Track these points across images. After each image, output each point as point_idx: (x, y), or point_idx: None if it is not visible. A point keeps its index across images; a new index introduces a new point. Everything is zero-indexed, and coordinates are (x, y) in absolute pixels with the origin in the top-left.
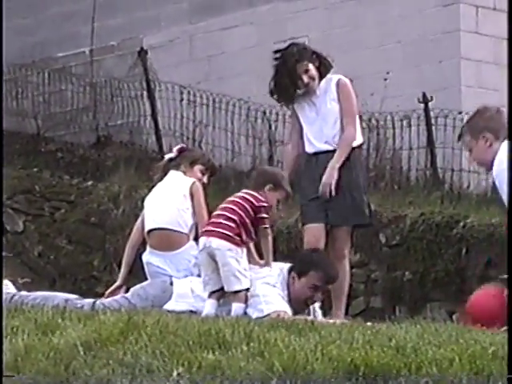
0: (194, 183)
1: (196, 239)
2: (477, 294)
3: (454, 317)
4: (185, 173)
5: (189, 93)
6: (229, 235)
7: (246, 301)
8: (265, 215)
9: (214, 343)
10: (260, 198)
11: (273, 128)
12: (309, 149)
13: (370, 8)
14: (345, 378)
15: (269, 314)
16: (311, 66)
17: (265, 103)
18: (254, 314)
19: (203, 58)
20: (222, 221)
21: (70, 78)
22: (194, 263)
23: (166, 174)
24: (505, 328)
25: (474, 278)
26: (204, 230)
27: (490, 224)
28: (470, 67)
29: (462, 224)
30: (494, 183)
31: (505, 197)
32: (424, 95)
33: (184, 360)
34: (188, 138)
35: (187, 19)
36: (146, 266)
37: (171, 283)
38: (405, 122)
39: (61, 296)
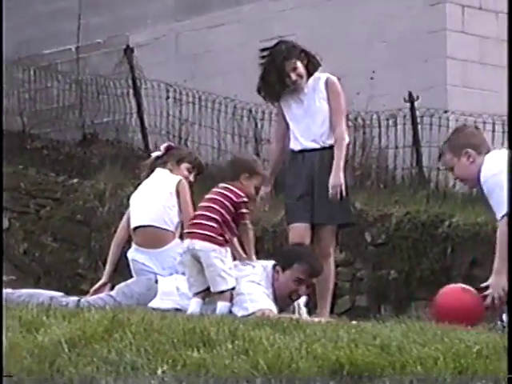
0: (180, 181)
1: (182, 237)
2: (446, 289)
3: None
4: (171, 171)
5: (175, 91)
6: (212, 236)
7: (231, 299)
8: (245, 210)
9: (198, 341)
10: (239, 192)
11: (259, 126)
12: (295, 146)
13: (357, 7)
14: (329, 376)
15: (254, 313)
16: (299, 64)
17: (251, 101)
18: (239, 312)
19: (189, 56)
20: (203, 222)
21: (55, 75)
22: (179, 261)
23: (152, 172)
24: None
25: (459, 276)
26: (187, 231)
27: (475, 223)
28: (456, 66)
29: (447, 223)
30: (482, 191)
31: (493, 202)
32: (410, 94)
33: (169, 358)
34: (174, 136)
35: (173, 17)
36: (131, 263)
37: (156, 281)
38: (391, 121)
39: (46, 294)
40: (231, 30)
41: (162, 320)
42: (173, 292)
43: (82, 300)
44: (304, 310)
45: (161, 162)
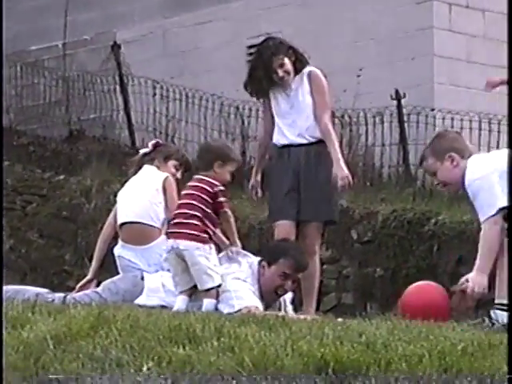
0: (166, 178)
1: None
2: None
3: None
4: (159, 168)
5: (162, 88)
6: (195, 234)
7: (217, 296)
8: (222, 199)
9: (184, 338)
10: (214, 182)
11: (246, 123)
12: (281, 140)
13: (344, 4)
14: (315, 373)
15: (240, 310)
16: (287, 61)
17: (238, 99)
18: (225, 309)
19: (176, 53)
20: (185, 220)
21: (42, 71)
22: (165, 258)
23: (140, 169)
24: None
25: (446, 274)
26: (169, 231)
27: (461, 221)
28: (443, 64)
29: (433, 221)
30: (467, 194)
31: (477, 205)
32: (397, 92)
33: (154, 355)
34: (161, 133)
35: (161, 14)
36: (117, 260)
37: (142, 278)
38: (377, 119)
39: (32, 290)
40: (219, 27)
41: (148, 317)
42: (159, 289)
43: (68, 296)
44: (290, 307)
45: (148, 158)
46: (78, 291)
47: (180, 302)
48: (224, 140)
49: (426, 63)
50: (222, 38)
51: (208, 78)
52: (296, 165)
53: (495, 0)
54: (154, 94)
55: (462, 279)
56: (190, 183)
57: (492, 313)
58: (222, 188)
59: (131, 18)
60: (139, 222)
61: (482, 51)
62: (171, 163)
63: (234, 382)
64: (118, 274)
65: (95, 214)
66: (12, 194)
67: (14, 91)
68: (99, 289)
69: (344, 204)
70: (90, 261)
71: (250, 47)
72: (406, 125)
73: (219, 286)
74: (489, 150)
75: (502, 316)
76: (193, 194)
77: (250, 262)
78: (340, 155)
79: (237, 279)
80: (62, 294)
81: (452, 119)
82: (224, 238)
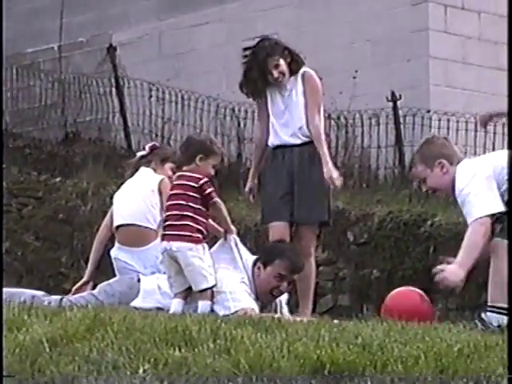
0: (162, 180)
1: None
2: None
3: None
4: (155, 170)
5: (157, 90)
6: (187, 235)
7: (211, 298)
8: (209, 190)
9: (180, 340)
10: (197, 176)
11: (241, 125)
12: (274, 141)
13: (339, 6)
14: (311, 375)
15: (236, 312)
16: (282, 62)
17: (234, 100)
18: (220, 311)
19: (172, 55)
20: (177, 222)
21: (38, 73)
22: (161, 260)
23: (136, 171)
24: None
25: None
26: (162, 233)
27: (457, 223)
28: (439, 66)
29: (429, 222)
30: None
31: (465, 211)
32: (392, 94)
33: (150, 357)
34: (157, 135)
35: (156, 16)
36: (114, 262)
37: (138, 280)
38: (373, 121)
39: (28, 292)
40: (214, 28)
41: (144, 319)
42: (154, 291)
43: (64, 299)
44: (286, 309)
45: (145, 161)
46: (74, 293)
47: (176, 305)
48: (208, 134)
49: (422, 65)
50: (217, 39)
51: (204, 80)
52: (290, 166)
53: (491, 1)
54: (150, 96)
55: (440, 267)
56: (175, 181)
57: (484, 315)
58: (206, 179)
59: (127, 20)
60: (135, 224)
61: (478, 53)
62: (168, 165)
63: (230, 383)
64: (114, 276)
65: (91, 217)
66: (8, 196)
67: (9, 94)
68: (95, 291)
69: (340, 206)
70: (86, 263)
71: (246, 49)
72: (401, 126)
73: (213, 286)
74: (484, 152)
75: (495, 318)
76: (179, 193)
77: (244, 261)
78: (329, 159)
79: (232, 280)
80: (58, 297)
81: (448, 121)
82: (218, 227)
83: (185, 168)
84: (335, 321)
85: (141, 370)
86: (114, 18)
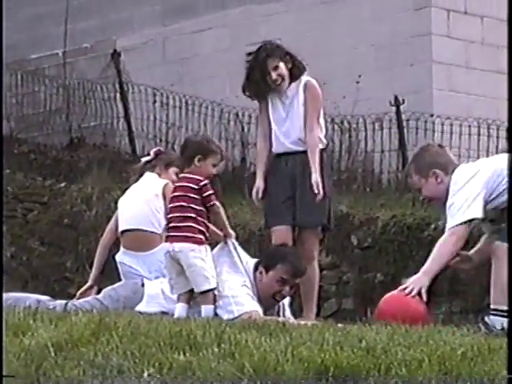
0: (166, 184)
1: None
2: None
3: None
4: (160, 175)
5: (162, 95)
6: (189, 236)
7: (214, 301)
8: (210, 192)
9: (185, 344)
10: (197, 178)
11: (245, 130)
12: (277, 148)
13: (343, 11)
14: (315, 379)
15: (240, 315)
16: (282, 65)
17: (237, 105)
18: (224, 315)
19: (176, 60)
20: (179, 224)
21: (43, 79)
22: (165, 265)
23: (141, 176)
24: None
25: (445, 279)
26: (165, 235)
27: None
28: (442, 70)
29: (433, 226)
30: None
31: (448, 212)
32: (396, 98)
33: (155, 361)
34: (161, 140)
35: (160, 22)
36: (119, 266)
37: (143, 284)
38: (377, 125)
39: (33, 297)
40: (218, 34)
41: (149, 323)
42: (158, 295)
43: (69, 303)
44: (288, 311)
45: (149, 166)
46: (79, 298)
47: (180, 309)
48: (205, 134)
49: (425, 69)
50: (221, 44)
51: (208, 85)
52: (292, 172)
53: (493, 6)
54: (154, 102)
55: (408, 282)
56: (176, 183)
57: (487, 319)
58: (206, 182)
59: (131, 26)
60: (140, 229)
61: (481, 57)
62: (172, 170)
63: None
64: (119, 280)
65: (96, 222)
66: (13, 201)
67: (14, 99)
68: (100, 296)
69: (344, 210)
70: (91, 268)
71: (250, 54)
72: (405, 131)
73: (215, 288)
74: (487, 156)
75: (498, 321)
76: (180, 195)
77: (245, 265)
78: (318, 172)
79: (234, 284)
80: (63, 301)
81: (451, 125)
82: (218, 231)
83: (185, 170)
84: (339, 324)
85: (146, 374)
86: (118, 23)
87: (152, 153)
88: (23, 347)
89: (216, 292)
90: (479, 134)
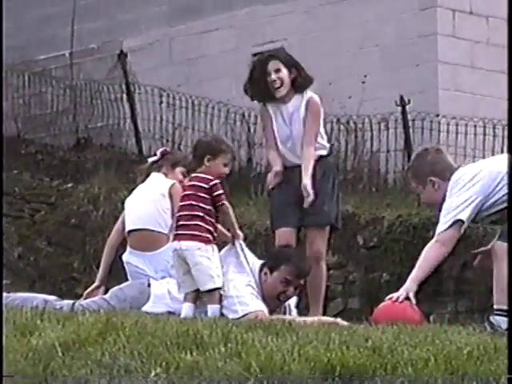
0: (173, 184)
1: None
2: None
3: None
4: (166, 175)
5: (168, 95)
6: (197, 235)
7: (220, 301)
8: (219, 192)
9: (191, 344)
10: (207, 177)
11: (251, 131)
12: (284, 163)
13: (348, 12)
14: (321, 378)
15: (246, 315)
16: (284, 70)
17: (244, 106)
18: (229, 315)
19: (183, 61)
20: (187, 222)
21: (49, 80)
22: (172, 264)
23: (148, 177)
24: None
25: (451, 279)
26: (173, 233)
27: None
28: (447, 70)
29: None
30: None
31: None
32: (401, 98)
33: (162, 360)
34: (167, 141)
35: (167, 22)
36: (126, 266)
37: (149, 285)
38: (382, 125)
39: (40, 297)
40: (224, 34)
41: (156, 323)
42: (165, 295)
43: (77, 303)
44: (295, 312)
45: (156, 166)
46: (86, 298)
47: (187, 309)
48: (216, 134)
49: (431, 69)
50: (227, 45)
51: (214, 86)
52: (299, 180)
53: (499, 6)
54: (161, 102)
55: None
56: (186, 183)
57: (492, 319)
58: (216, 182)
59: (137, 27)
60: (147, 229)
61: (486, 57)
62: (178, 170)
63: None
64: (126, 280)
65: (103, 222)
66: (20, 202)
67: (21, 100)
68: (107, 296)
69: (350, 210)
70: (98, 268)
71: (256, 55)
72: (410, 131)
73: (220, 288)
74: (493, 155)
75: (502, 321)
76: (190, 194)
77: (251, 265)
78: (310, 184)
79: (239, 284)
80: (70, 301)
81: (456, 125)
82: (225, 231)
83: (197, 170)
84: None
85: (153, 374)
86: (125, 24)
87: (158, 153)
88: (31, 347)
89: (221, 292)
90: (485, 134)
